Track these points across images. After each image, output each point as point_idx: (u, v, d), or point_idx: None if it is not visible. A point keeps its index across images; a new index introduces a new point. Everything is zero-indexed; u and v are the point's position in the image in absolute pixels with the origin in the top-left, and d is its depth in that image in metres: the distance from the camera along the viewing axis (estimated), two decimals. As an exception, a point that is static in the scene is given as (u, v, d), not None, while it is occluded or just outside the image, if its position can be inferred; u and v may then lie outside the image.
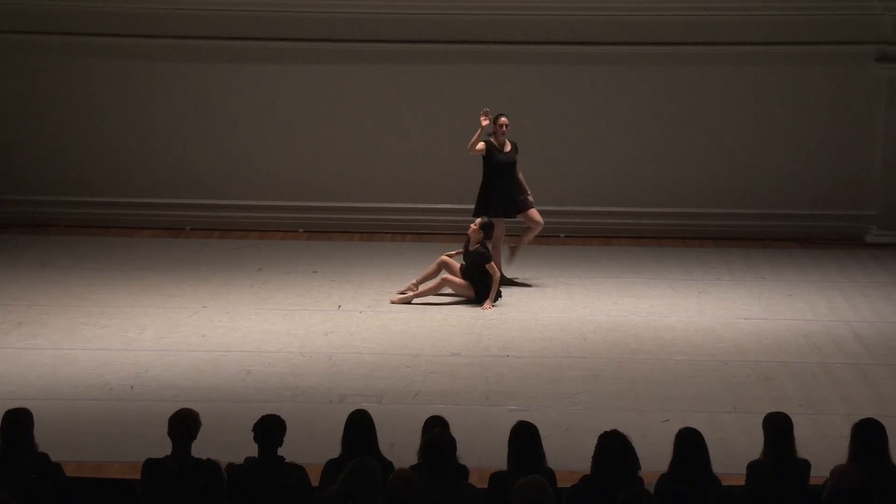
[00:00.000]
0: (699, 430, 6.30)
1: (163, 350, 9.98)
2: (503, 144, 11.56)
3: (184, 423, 6.38)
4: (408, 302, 11.13)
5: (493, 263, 11.14)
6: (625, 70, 13.52)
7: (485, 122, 11.52)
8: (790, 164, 13.65)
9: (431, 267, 11.39)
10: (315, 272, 12.24)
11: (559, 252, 12.70)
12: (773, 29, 13.42)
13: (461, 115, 13.57)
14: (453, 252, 11.40)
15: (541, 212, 11.79)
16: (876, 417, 6.49)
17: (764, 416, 6.57)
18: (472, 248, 11.23)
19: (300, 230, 13.85)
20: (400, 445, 7.54)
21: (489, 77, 13.54)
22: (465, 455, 6.49)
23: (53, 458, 6.49)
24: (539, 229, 11.70)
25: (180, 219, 13.82)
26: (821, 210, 13.65)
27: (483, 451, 7.78)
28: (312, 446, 7.77)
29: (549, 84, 13.58)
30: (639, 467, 6.10)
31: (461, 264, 11.29)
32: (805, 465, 6.46)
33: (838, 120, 13.56)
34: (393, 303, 11.08)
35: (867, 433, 6.28)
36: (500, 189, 11.47)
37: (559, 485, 6.24)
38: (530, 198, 11.65)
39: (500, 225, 11.52)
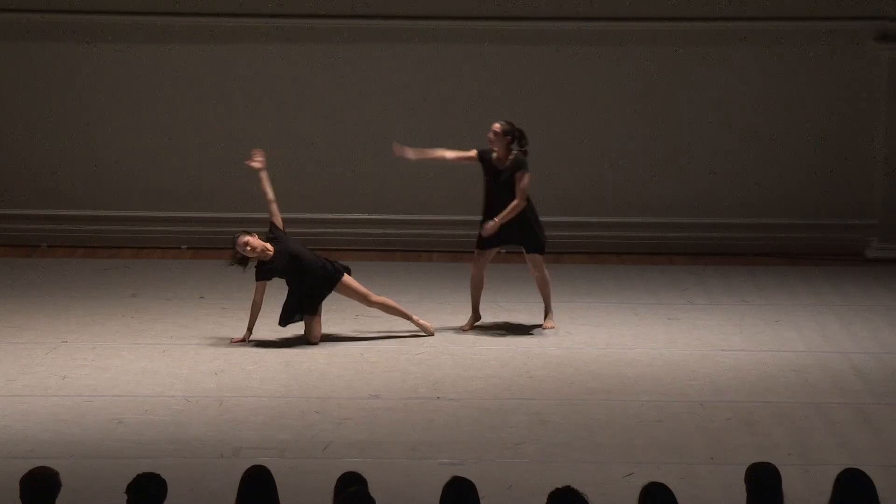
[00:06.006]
0: (669, 485, 6.36)
1: (13, 395, 9.90)
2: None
3: (40, 486, 6.34)
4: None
5: (526, 176, 10.87)
6: (577, 54, 13.58)
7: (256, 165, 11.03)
8: (776, 165, 13.79)
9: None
10: (202, 298, 12.20)
11: (499, 272, 12.73)
12: (751, 1, 13.55)
13: (397, 95, 13.55)
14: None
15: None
16: (880, 466, 6.57)
17: (746, 467, 6.64)
18: (497, 156, 11.00)
19: (183, 247, 13.79)
20: (307, 509, 7.53)
21: (434, 56, 13.52)
22: (386, 519, 6.50)
23: None
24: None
25: (35, 234, 13.71)
26: (813, 220, 13.80)
27: (408, 515, 7.80)
28: (199, 511, 7.74)
29: (484, 69, 13.63)
30: (597, 531, 6.14)
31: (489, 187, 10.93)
32: (796, 526, 6.54)
33: (831, 112, 13.69)
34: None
35: (851, 486, 6.36)
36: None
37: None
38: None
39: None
